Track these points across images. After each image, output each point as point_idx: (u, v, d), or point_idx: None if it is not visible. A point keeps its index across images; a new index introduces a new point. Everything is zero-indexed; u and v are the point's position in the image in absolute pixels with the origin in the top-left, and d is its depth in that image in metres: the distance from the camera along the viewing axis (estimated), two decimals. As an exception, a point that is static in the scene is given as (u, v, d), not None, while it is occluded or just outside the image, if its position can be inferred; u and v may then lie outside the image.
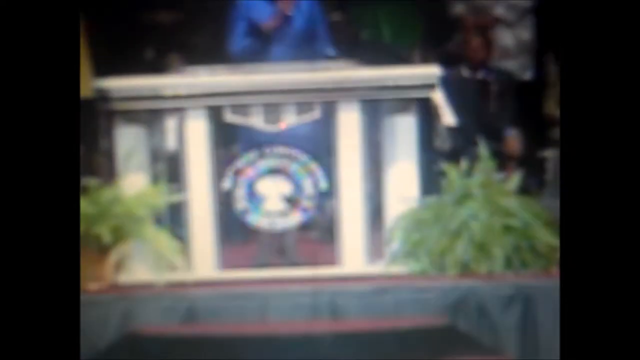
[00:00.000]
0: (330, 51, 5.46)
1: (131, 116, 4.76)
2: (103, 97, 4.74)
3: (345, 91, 4.71)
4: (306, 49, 5.46)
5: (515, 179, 4.68)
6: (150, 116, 4.80)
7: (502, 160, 5.13)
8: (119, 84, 4.75)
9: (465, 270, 4.54)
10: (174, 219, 4.75)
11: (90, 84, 5.10)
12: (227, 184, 4.77)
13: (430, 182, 4.81)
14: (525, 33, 6.06)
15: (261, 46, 5.48)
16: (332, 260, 4.73)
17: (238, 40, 5.53)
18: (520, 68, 6.01)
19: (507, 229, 4.53)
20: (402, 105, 4.73)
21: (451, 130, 5.32)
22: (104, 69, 5.32)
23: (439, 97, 4.84)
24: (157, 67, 5.75)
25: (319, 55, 5.38)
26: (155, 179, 4.76)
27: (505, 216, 4.54)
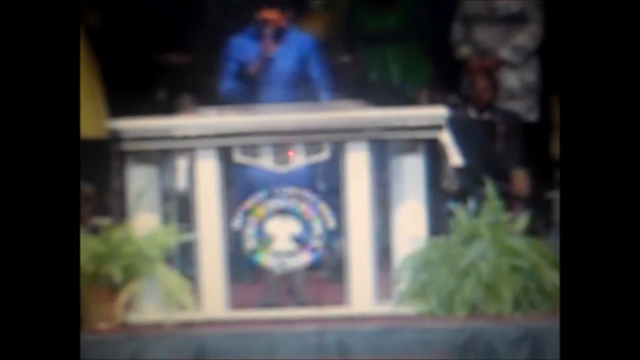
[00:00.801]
0: (325, 94, 5.35)
1: (143, 156, 4.69)
2: (115, 137, 4.67)
3: (354, 132, 4.63)
4: (298, 91, 5.33)
5: (522, 219, 4.56)
6: (161, 156, 4.72)
7: (510, 200, 5.02)
8: (131, 125, 4.68)
9: (473, 311, 4.40)
10: (184, 258, 4.65)
11: (104, 125, 5.04)
12: (236, 223, 4.66)
13: (438, 222, 4.72)
14: (531, 75, 5.99)
15: (248, 88, 5.36)
16: (340, 300, 4.62)
17: (227, 81, 5.43)
18: (526, 109, 5.93)
19: (515, 269, 4.40)
20: (410, 146, 4.64)
21: (458, 170, 5.21)
22: (117, 109, 5.25)
23: (446, 138, 4.74)
24: (168, 108, 5.68)
25: (310, 98, 5.27)
26: (165, 219, 4.67)
27: (513, 257, 4.42)
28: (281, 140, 4.65)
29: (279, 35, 5.32)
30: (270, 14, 5.29)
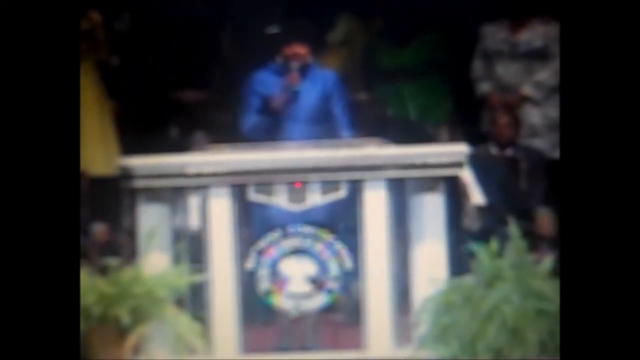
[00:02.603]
0: (347, 131, 5.26)
1: (154, 194, 4.54)
2: (126, 174, 4.54)
3: (372, 170, 4.48)
4: (319, 127, 5.23)
5: (548, 260, 4.35)
6: (173, 194, 4.58)
7: (534, 240, 4.84)
8: (142, 162, 4.55)
9: (498, 356, 4.18)
10: (195, 300, 4.49)
11: (115, 162, 4.95)
12: (250, 264, 4.51)
13: (459, 263, 4.52)
14: (554, 111, 5.85)
15: (271, 123, 5.25)
16: (357, 343, 4.45)
17: (249, 117, 5.32)
18: (549, 146, 5.78)
19: (541, 313, 4.18)
20: (430, 184, 4.48)
21: (480, 209, 5.06)
22: (129, 146, 5.15)
23: (467, 176, 4.59)
24: (181, 145, 5.58)
25: (333, 134, 5.18)
26: (177, 259, 4.51)
27: (539, 300, 4.20)
28: (297, 179, 4.51)
29: (304, 70, 5.24)
30: (299, 49, 5.21)
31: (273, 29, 5.91)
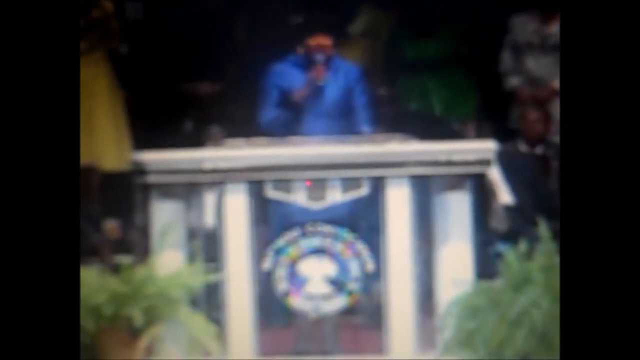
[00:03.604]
0: (367, 127, 5.25)
1: (168, 190, 4.55)
2: (140, 170, 4.55)
3: (395, 166, 4.47)
4: (340, 122, 5.23)
5: (579, 263, 4.34)
6: (188, 190, 4.58)
7: (565, 242, 4.83)
8: (156, 157, 4.55)
9: (525, 362, 4.18)
10: (210, 300, 4.50)
11: (128, 157, 4.96)
12: (267, 263, 4.51)
13: (486, 265, 4.51)
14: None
15: (291, 117, 5.26)
16: (379, 348, 4.44)
17: (268, 110, 5.31)
18: (582, 143, 5.75)
19: (572, 317, 4.17)
20: (455, 182, 4.47)
21: (508, 209, 5.05)
22: (142, 141, 5.17)
23: (495, 174, 4.58)
24: (196, 139, 5.59)
25: (354, 129, 5.18)
26: (191, 258, 4.52)
27: (569, 304, 4.19)
28: (316, 175, 4.50)
29: (328, 63, 5.25)
30: (323, 40, 5.20)
31: (296, 20, 5.90)
